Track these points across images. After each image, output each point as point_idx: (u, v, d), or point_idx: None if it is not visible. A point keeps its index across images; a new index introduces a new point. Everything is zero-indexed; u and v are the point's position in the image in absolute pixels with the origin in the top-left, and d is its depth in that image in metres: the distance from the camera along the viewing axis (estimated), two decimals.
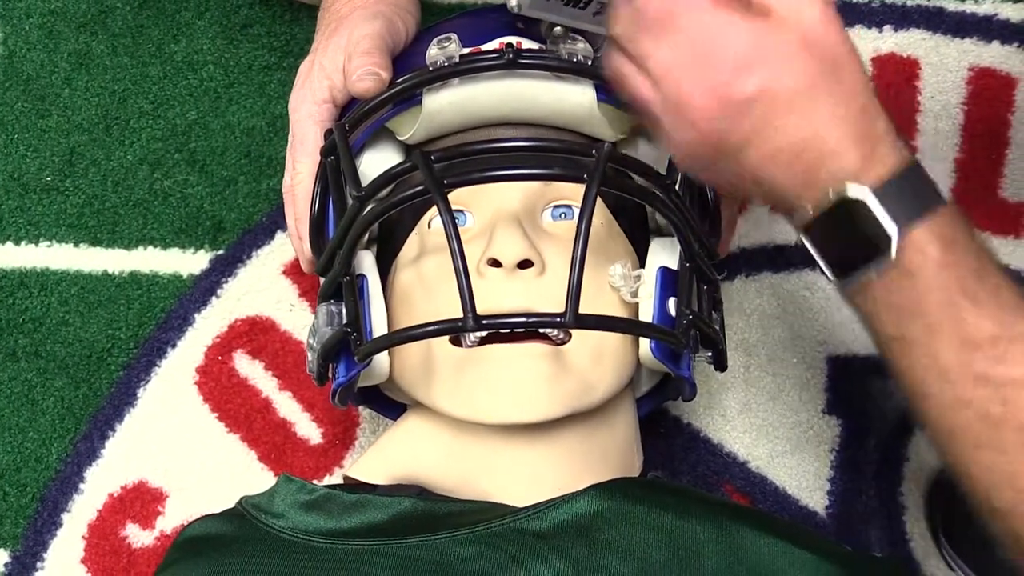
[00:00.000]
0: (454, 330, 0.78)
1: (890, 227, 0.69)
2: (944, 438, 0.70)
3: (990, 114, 1.17)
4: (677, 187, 0.86)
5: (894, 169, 0.69)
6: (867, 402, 1.10)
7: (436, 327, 0.78)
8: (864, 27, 1.19)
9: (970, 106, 1.17)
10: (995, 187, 1.15)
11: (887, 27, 1.19)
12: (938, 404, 0.70)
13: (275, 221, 1.16)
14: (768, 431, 1.10)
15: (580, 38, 0.88)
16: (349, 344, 0.84)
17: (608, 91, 0.88)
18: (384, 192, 0.87)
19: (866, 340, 1.07)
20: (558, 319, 0.75)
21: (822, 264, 0.73)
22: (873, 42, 1.19)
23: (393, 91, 0.87)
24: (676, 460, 1.09)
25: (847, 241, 0.70)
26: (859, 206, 0.69)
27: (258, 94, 1.20)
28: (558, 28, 0.87)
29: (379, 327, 0.86)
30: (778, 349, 1.11)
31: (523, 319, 0.78)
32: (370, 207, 0.84)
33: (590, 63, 0.86)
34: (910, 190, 0.70)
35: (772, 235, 1.14)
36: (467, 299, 0.75)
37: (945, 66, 1.18)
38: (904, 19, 1.20)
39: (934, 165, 1.15)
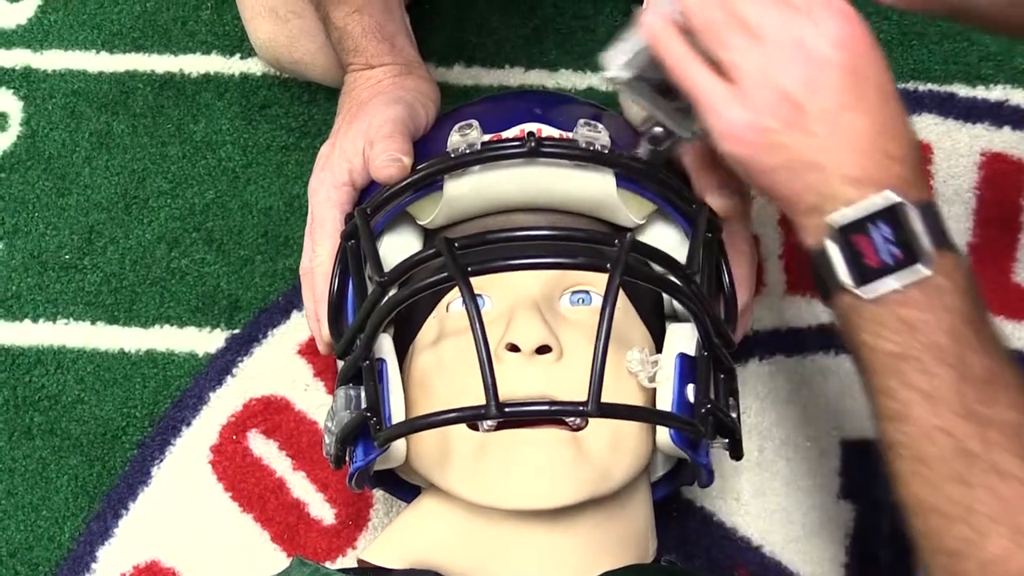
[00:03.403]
0: (477, 417, 0.78)
1: (926, 242, 0.72)
2: (911, 464, 0.73)
3: (1002, 198, 1.18)
4: (697, 277, 0.86)
5: (929, 198, 0.74)
6: (882, 487, 1.09)
7: (459, 414, 0.78)
8: None
9: (982, 191, 1.18)
10: (1008, 271, 1.15)
11: None
12: (919, 428, 0.72)
13: (291, 301, 1.16)
14: (782, 516, 1.09)
15: (601, 126, 0.89)
16: (368, 428, 0.84)
17: (627, 178, 0.89)
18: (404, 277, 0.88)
19: None
20: (581, 408, 0.75)
21: (843, 269, 0.75)
22: None
23: (415, 177, 0.88)
24: (690, 544, 1.09)
25: (879, 246, 0.73)
26: (902, 213, 0.73)
27: (276, 174, 1.21)
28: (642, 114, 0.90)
29: (398, 411, 0.86)
30: (792, 433, 1.11)
31: (547, 407, 0.78)
32: (392, 292, 0.84)
33: (607, 152, 0.87)
34: (940, 220, 0.74)
35: (786, 319, 1.14)
36: (490, 386, 0.75)
37: (957, 151, 1.19)
38: (916, 104, 1.21)
39: None
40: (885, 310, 0.73)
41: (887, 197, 0.73)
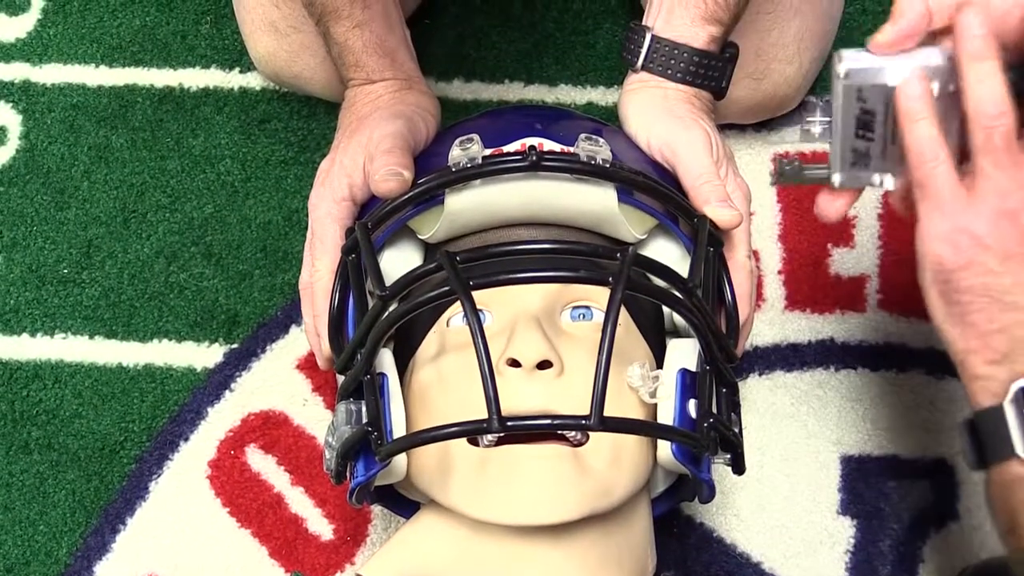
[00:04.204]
0: (479, 431, 0.78)
1: None
2: None
3: None
4: (698, 291, 0.86)
5: None
6: (881, 503, 1.09)
7: (461, 428, 0.77)
8: None
9: None
10: None
11: None
12: None
13: (290, 315, 1.16)
14: (782, 532, 1.09)
15: (602, 141, 0.89)
16: (368, 443, 0.84)
17: (629, 192, 0.89)
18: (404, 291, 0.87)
19: (879, 440, 1.08)
20: (583, 422, 0.75)
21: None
22: None
23: (416, 192, 0.88)
24: (689, 560, 1.09)
25: None
26: None
27: (275, 188, 1.21)
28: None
29: (399, 426, 0.85)
30: (791, 449, 1.11)
31: (549, 421, 0.78)
32: (393, 306, 0.84)
33: (609, 166, 0.87)
34: None
35: (785, 334, 1.15)
36: (492, 400, 0.74)
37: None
38: None
39: None
40: None
41: None
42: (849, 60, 0.78)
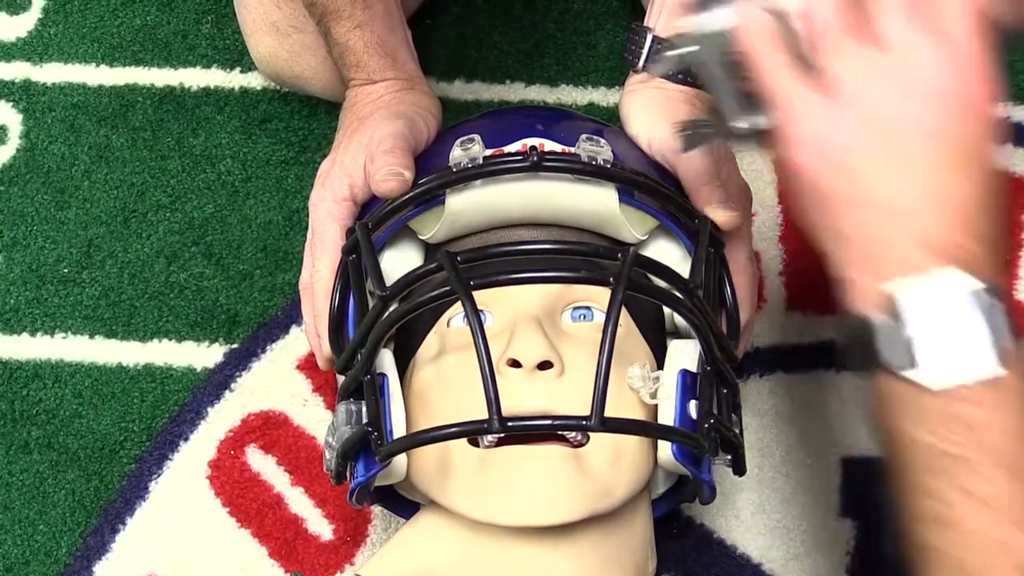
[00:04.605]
0: (479, 431, 0.78)
1: (1005, 337, 0.64)
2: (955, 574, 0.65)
3: (1003, 215, 1.17)
4: (699, 291, 0.86)
5: (1008, 288, 0.68)
6: (882, 505, 1.09)
7: (461, 428, 0.77)
8: None
9: None
10: (1009, 289, 1.15)
11: None
12: (970, 538, 0.64)
13: (290, 315, 1.16)
14: (782, 533, 1.09)
15: (603, 141, 0.89)
16: (369, 443, 0.84)
17: (630, 193, 0.89)
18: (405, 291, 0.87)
19: None
20: (584, 422, 0.75)
21: (898, 350, 0.65)
22: None
23: (416, 192, 0.88)
24: (689, 562, 1.09)
25: (954, 333, 0.64)
26: (986, 303, 0.63)
27: (275, 188, 1.21)
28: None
29: (399, 426, 0.85)
30: (791, 450, 1.11)
31: (549, 422, 0.78)
32: (393, 306, 0.84)
33: (610, 167, 0.87)
34: (1008, 314, 0.65)
35: (785, 335, 1.14)
36: (493, 400, 0.74)
37: None
38: None
39: None
40: (943, 405, 0.64)
41: (968, 282, 0.63)
42: (691, 21, 0.76)
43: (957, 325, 0.64)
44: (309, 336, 0.97)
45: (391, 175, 0.89)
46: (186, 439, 1.12)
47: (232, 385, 1.14)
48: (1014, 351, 0.64)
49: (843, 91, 0.67)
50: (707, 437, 0.83)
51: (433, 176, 0.88)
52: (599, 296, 0.87)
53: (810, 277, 1.16)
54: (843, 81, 0.67)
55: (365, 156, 0.93)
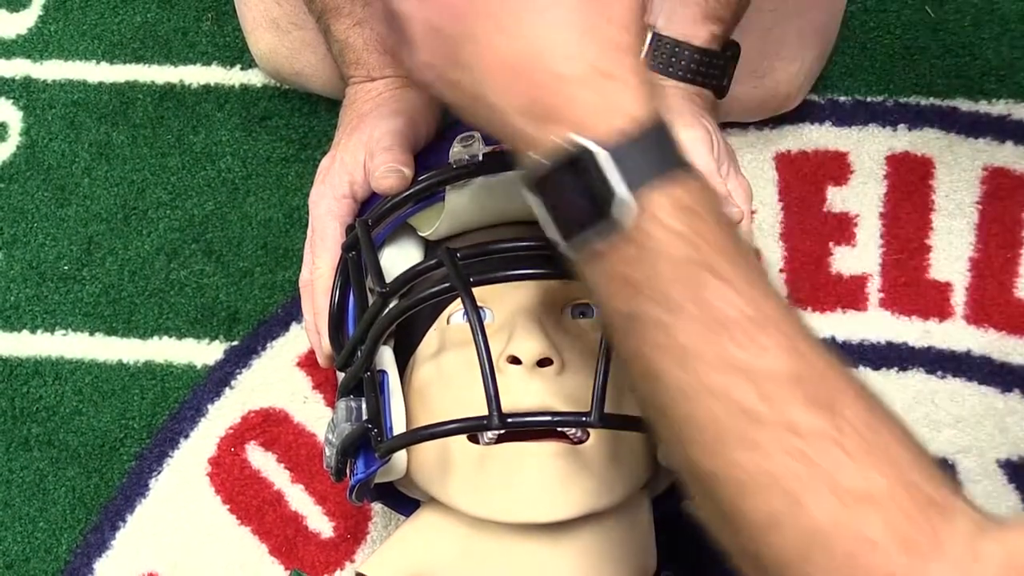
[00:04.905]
0: (479, 428, 0.78)
1: (620, 189, 0.59)
2: (683, 430, 0.60)
3: (1004, 213, 1.17)
4: None
5: (637, 123, 0.61)
6: None
7: (461, 425, 0.77)
8: (879, 126, 1.20)
9: (984, 205, 1.18)
10: (1010, 287, 1.15)
11: (901, 126, 1.20)
12: (678, 391, 0.60)
13: (290, 313, 1.16)
14: None
15: None
16: (369, 440, 0.84)
17: None
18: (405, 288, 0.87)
19: None
20: (583, 418, 0.75)
21: (549, 225, 0.64)
22: (888, 141, 1.19)
23: (416, 188, 0.87)
24: (690, 559, 1.08)
25: (572, 199, 0.61)
26: (587, 159, 0.60)
27: (275, 186, 1.21)
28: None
29: (399, 423, 0.85)
30: None
31: (549, 418, 0.78)
32: (393, 303, 0.84)
33: None
34: (651, 150, 0.60)
35: None
36: (493, 397, 0.74)
37: (959, 165, 1.19)
38: (919, 118, 1.21)
39: (948, 264, 1.15)
40: (597, 268, 0.62)
41: (570, 140, 0.61)
42: None
43: (571, 187, 0.61)
44: (309, 333, 0.97)
45: (391, 172, 0.89)
46: (186, 436, 1.12)
47: (232, 382, 1.14)
48: (668, 186, 0.60)
49: (403, 22, 0.67)
50: None
51: (433, 173, 0.87)
52: None
53: (810, 275, 1.16)
54: (399, 15, 0.67)
55: (365, 153, 0.93)
